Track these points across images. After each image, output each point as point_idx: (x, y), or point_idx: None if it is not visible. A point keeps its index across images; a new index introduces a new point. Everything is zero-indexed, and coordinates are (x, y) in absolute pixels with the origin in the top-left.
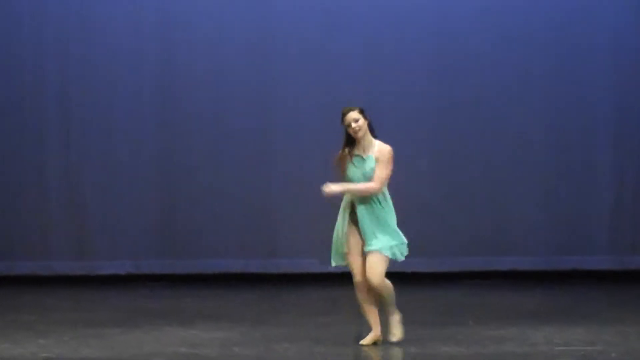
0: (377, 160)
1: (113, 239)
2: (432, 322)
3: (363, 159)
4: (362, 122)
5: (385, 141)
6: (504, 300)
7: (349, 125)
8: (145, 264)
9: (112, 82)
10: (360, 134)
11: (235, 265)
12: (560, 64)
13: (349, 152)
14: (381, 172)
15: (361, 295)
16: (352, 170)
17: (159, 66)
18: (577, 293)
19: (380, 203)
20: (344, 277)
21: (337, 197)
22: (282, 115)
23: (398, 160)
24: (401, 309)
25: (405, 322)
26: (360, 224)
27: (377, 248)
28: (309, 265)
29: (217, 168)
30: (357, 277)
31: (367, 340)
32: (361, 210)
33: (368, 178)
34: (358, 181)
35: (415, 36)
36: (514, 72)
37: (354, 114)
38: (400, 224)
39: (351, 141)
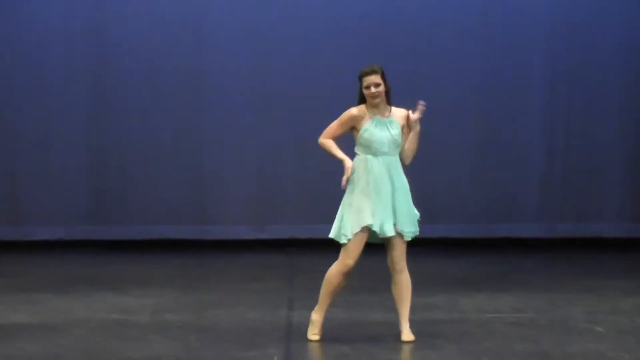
0: (403, 125)
1: (44, 205)
2: (361, 288)
3: (385, 122)
4: (382, 88)
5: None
6: (434, 268)
7: (368, 87)
8: (77, 230)
9: (45, 47)
10: (378, 100)
11: (166, 232)
12: (493, 28)
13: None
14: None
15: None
16: (376, 132)
17: (91, 32)
18: (507, 261)
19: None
20: (275, 245)
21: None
22: (213, 80)
23: None
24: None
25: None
26: (394, 197)
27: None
28: (241, 231)
29: (148, 134)
30: (352, 260)
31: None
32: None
33: (396, 142)
34: (385, 144)
35: None
36: (446, 36)
37: (375, 78)
38: (327, 192)
39: (364, 101)
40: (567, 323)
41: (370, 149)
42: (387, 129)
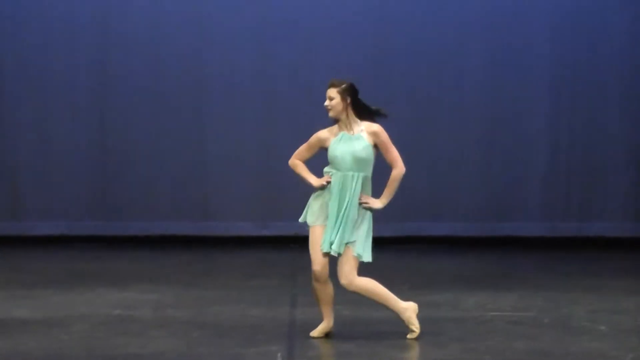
0: (374, 142)
1: (47, 200)
2: None
3: (350, 138)
4: (335, 102)
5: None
6: (437, 266)
7: (326, 99)
8: (79, 225)
9: (46, 41)
10: (331, 114)
11: (169, 228)
12: (497, 25)
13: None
14: (394, 153)
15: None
16: (339, 147)
17: (95, 29)
18: (510, 259)
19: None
20: (278, 241)
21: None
22: (216, 76)
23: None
24: (334, 272)
25: (339, 286)
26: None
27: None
28: (244, 228)
29: (151, 129)
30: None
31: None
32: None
33: (357, 158)
34: (346, 159)
35: None
36: (449, 34)
37: (331, 92)
38: None
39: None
40: (569, 322)
41: (334, 164)
42: (351, 145)
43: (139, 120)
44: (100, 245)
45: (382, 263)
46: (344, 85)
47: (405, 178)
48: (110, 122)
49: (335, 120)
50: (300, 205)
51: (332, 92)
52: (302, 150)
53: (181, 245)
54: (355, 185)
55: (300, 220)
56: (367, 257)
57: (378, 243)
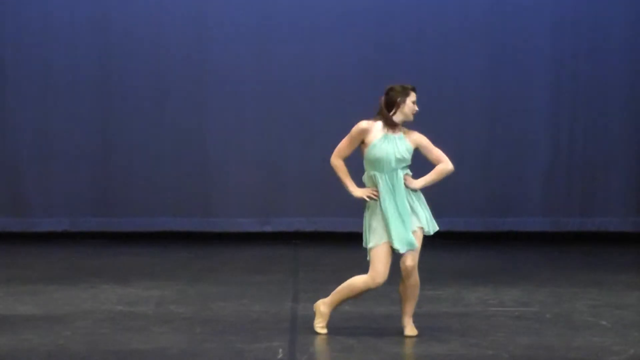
0: (417, 144)
1: (49, 197)
2: None
3: (394, 138)
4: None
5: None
6: (439, 261)
7: (415, 103)
8: (82, 222)
9: (48, 38)
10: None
11: (171, 224)
12: (498, 22)
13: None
14: (438, 151)
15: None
16: (383, 147)
17: (96, 28)
18: (512, 254)
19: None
20: (280, 237)
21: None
22: (218, 72)
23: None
24: (336, 267)
25: (342, 282)
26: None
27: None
28: (246, 224)
29: (153, 126)
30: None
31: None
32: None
33: (401, 159)
34: (391, 160)
35: None
36: (450, 31)
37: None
38: (332, 186)
39: (386, 117)
40: (571, 317)
41: (376, 166)
42: (396, 145)
43: (141, 116)
44: (103, 241)
45: None
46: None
47: None
48: (113, 118)
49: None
50: (302, 201)
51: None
52: (344, 146)
53: (183, 242)
54: (400, 180)
55: (367, 246)
56: (435, 227)
57: None
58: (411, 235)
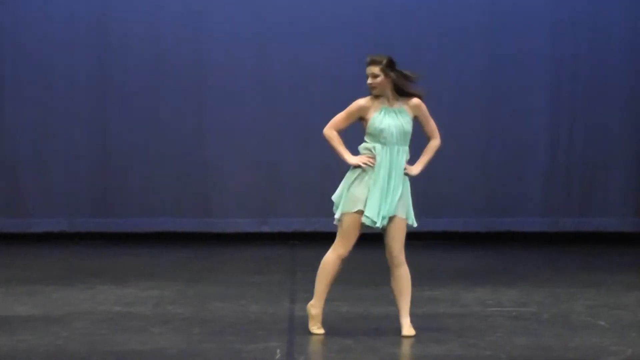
0: (415, 115)
1: (48, 197)
2: (365, 282)
3: (394, 111)
4: (380, 79)
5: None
6: (436, 261)
7: (367, 77)
8: (81, 222)
9: (47, 39)
10: (376, 91)
11: (169, 224)
12: (498, 21)
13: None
14: (434, 124)
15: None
16: (385, 120)
17: (95, 28)
18: (510, 254)
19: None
20: (278, 238)
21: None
22: (216, 72)
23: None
24: None
25: (339, 282)
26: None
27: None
28: (243, 225)
29: (151, 126)
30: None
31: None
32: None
33: (403, 132)
34: (394, 133)
35: None
36: (450, 30)
37: (374, 69)
38: (330, 186)
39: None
40: (569, 317)
41: (378, 138)
42: (396, 118)
43: (139, 117)
44: (102, 242)
45: (381, 259)
46: (384, 61)
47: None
48: (112, 119)
49: (375, 95)
50: (301, 201)
51: (375, 69)
52: (340, 119)
53: (181, 242)
54: (401, 159)
55: (336, 213)
56: (414, 222)
57: (377, 239)
58: (387, 213)
